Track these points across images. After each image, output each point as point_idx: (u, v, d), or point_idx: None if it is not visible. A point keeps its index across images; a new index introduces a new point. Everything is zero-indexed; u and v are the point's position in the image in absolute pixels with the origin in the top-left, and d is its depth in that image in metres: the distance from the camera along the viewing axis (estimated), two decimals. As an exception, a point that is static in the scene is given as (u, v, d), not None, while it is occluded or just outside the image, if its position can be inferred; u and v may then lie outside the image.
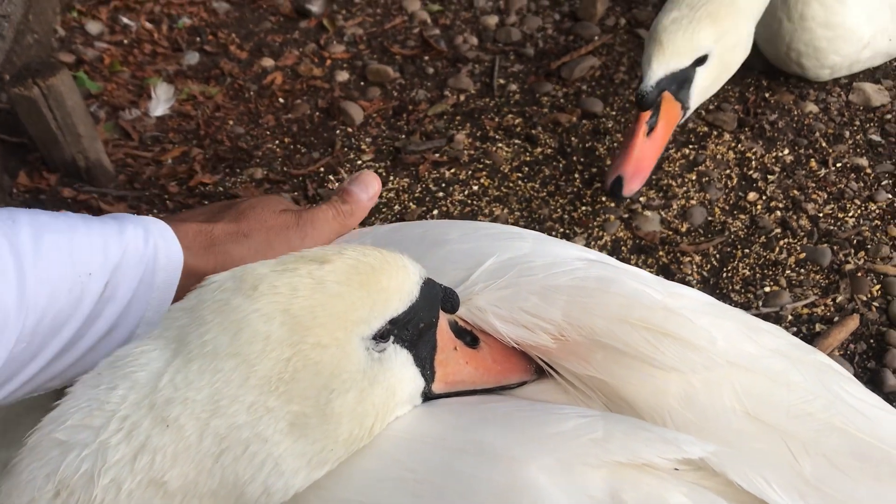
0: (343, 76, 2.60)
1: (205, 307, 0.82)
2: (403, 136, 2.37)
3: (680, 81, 1.76)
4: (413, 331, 0.91)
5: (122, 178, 2.27)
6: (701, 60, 1.77)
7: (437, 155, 2.29)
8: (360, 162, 2.30)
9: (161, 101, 2.44)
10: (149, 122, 2.42)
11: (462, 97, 2.50)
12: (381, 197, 2.18)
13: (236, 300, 0.81)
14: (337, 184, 2.23)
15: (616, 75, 2.51)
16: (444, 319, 0.98)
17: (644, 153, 1.80)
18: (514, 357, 1.02)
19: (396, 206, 2.16)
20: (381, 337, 0.87)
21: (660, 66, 1.73)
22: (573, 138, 2.31)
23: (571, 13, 2.80)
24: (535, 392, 1.04)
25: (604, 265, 1.08)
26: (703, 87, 1.82)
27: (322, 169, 2.28)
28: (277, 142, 2.39)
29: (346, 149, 2.34)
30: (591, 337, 0.98)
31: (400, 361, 0.90)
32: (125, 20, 2.80)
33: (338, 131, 2.41)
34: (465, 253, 1.09)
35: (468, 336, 1.01)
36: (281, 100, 2.53)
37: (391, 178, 2.24)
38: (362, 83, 2.58)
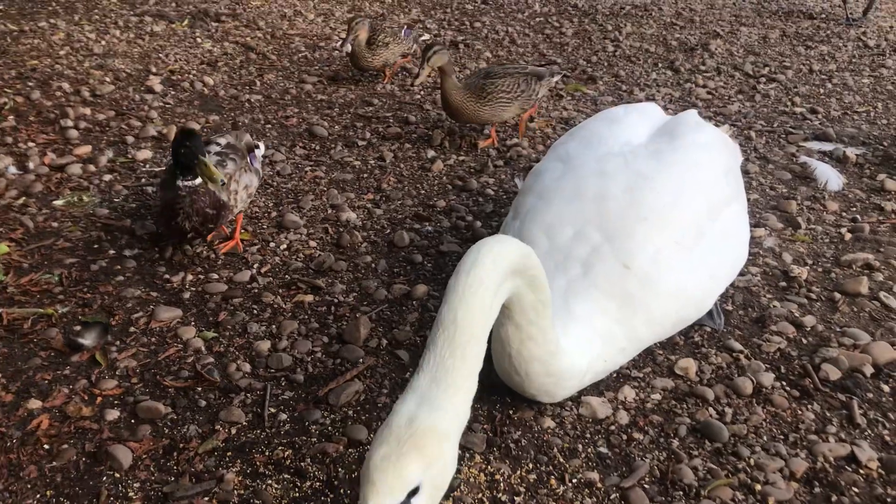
0: (113, 415, 2.63)
1: None
2: (173, 480, 2.40)
3: None
4: None
5: None
6: (414, 492, 1.82)
7: (206, 499, 2.33)
8: (126, 512, 2.29)
9: None
10: None
11: (233, 430, 2.59)
12: (146, 553, 2.17)
13: None
14: (100, 542, 2.20)
15: (379, 398, 2.73)
16: None
17: None
18: None
19: (162, 562, 2.15)
20: None
21: None
22: (340, 469, 2.45)
23: (339, 335, 3.05)
24: None
25: None
26: None
27: (85, 524, 2.25)
28: (39, 496, 2.33)
29: (112, 498, 2.33)
30: None
31: None
32: None
33: (105, 477, 2.40)
34: None
35: None
36: (46, 446, 2.50)
37: (158, 528, 2.24)
38: (133, 421, 2.62)
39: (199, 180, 3.28)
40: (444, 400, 1.89)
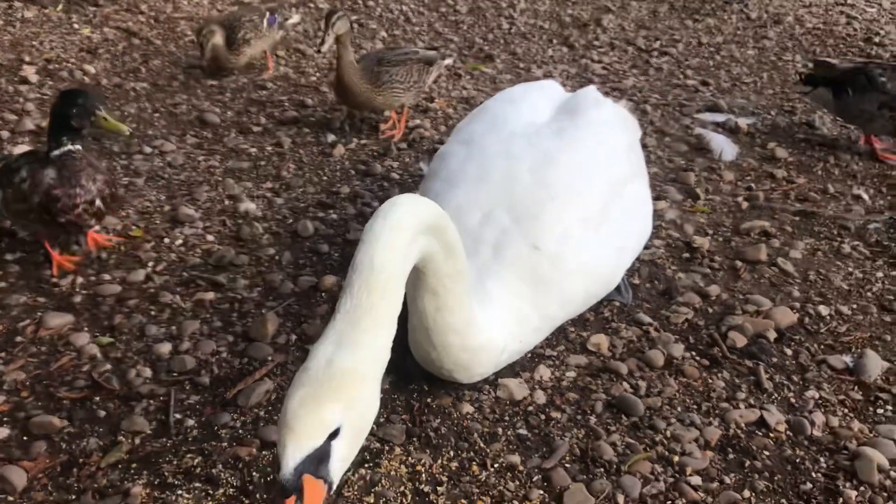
0: (2, 433, 2.44)
1: None
2: (74, 498, 2.24)
3: (318, 459, 1.78)
4: None
5: None
6: (334, 434, 1.80)
7: (111, 516, 2.19)
8: (22, 539, 2.13)
9: None
10: None
11: (137, 440, 2.45)
12: (47, 581, 2.02)
13: None
14: (-5, 573, 2.04)
15: (292, 396, 2.63)
16: None
17: None
18: None
19: (66, 589, 2.01)
20: None
21: (295, 451, 1.74)
22: (255, 473, 2.34)
23: (244, 333, 2.92)
24: None
25: None
26: (341, 457, 1.85)
27: (-23, 556, 2.08)
28: (-78, 528, 2.15)
29: (6, 524, 2.17)
30: None
31: None
32: None
33: (-4, 502, 2.23)
34: None
35: None
36: (-73, 473, 2.30)
37: (60, 553, 2.09)
38: (25, 438, 2.44)
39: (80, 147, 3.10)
40: (363, 340, 1.88)
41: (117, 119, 3.02)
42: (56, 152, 3.05)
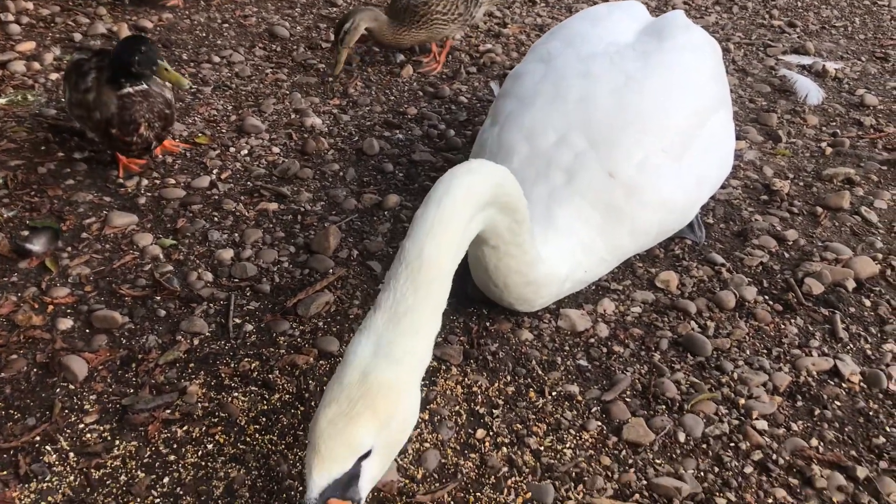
0: (66, 324, 2.47)
1: None
2: (132, 392, 2.26)
3: (346, 483, 1.64)
4: None
5: None
6: (365, 455, 1.66)
7: (168, 412, 2.20)
8: (82, 425, 2.15)
9: None
10: None
11: (196, 341, 2.45)
12: (104, 467, 2.05)
13: None
14: (55, 455, 2.06)
15: (351, 310, 2.60)
16: None
17: None
18: None
19: (122, 476, 2.03)
20: None
21: (321, 476, 1.61)
22: (311, 381, 2.33)
23: (306, 245, 2.89)
24: None
25: None
26: (372, 477, 1.71)
27: (38, 438, 2.10)
28: (-14, 408, 2.18)
29: (66, 411, 2.19)
30: None
31: None
32: None
33: (58, 389, 2.26)
34: None
35: None
36: (-7, 356, 2.34)
37: (117, 442, 2.11)
38: (87, 331, 2.46)
39: (143, 85, 3.04)
40: (404, 346, 1.72)
41: (177, 71, 2.94)
42: (119, 92, 3.02)
